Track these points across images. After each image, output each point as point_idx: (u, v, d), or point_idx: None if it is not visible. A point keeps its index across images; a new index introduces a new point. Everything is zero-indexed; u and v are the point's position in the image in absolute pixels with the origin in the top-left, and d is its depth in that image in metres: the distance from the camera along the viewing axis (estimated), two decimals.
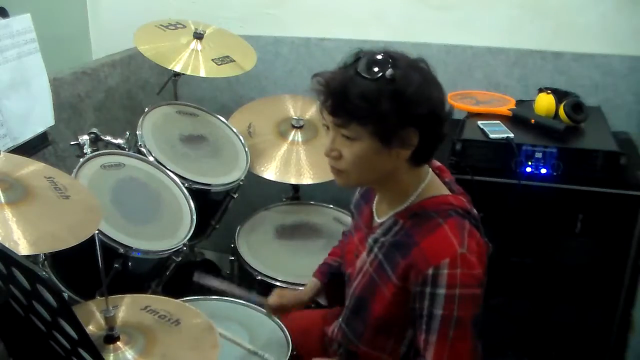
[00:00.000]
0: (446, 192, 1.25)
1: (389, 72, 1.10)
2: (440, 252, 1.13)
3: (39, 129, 1.70)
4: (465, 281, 1.12)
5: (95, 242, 1.34)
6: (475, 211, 1.25)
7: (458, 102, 2.09)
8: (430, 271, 1.12)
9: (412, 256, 1.16)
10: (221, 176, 1.96)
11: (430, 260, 1.13)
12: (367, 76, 1.11)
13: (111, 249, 1.53)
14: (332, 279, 1.55)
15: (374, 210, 1.33)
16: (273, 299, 1.54)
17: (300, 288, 1.83)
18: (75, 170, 1.62)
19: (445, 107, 1.17)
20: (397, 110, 1.10)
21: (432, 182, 1.25)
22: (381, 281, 1.23)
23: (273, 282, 1.86)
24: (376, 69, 1.11)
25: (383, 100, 1.10)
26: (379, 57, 1.13)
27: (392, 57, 1.13)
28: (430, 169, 1.27)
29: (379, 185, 1.28)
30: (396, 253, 1.20)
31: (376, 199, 1.34)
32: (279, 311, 1.54)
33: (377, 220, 1.30)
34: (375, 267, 1.25)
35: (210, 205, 1.99)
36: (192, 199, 1.80)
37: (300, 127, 2.20)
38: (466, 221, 1.19)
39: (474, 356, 1.18)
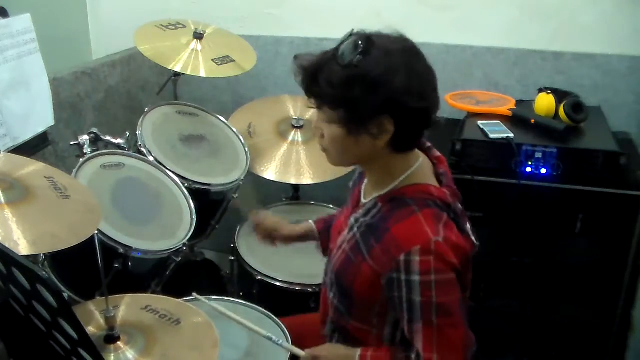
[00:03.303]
0: (432, 182, 1.24)
1: (356, 58, 1.11)
2: (411, 239, 1.13)
3: (39, 129, 1.70)
4: (439, 267, 1.12)
5: (95, 242, 1.35)
6: (459, 206, 1.25)
7: (458, 102, 2.09)
8: (402, 257, 1.13)
9: (385, 241, 1.17)
10: (221, 176, 1.96)
11: (402, 246, 1.13)
12: (339, 62, 1.13)
13: (111, 249, 1.53)
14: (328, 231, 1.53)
15: (362, 190, 1.34)
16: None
17: (299, 288, 1.84)
18: (75, 170, 1.62)
19: (425, 95, 1.15)
20: (362, 98, 1.12)
21: (419, 170, 1.25)
22: (357, 260, 1.24)
23: (273, 282, 1.86)
24: (347, 55, 1.12)
25: (348, 87, 1.12)
26: (355, 42, 1.13)
27: (369, 43, 1.13)
28: (422, 158, 1.27)
29: (364, 166, 1.30)
30: (371, 236, 1.22)
31: (366, 179, 1.35)
32: (261, 227, 1.60)
33: (363, 200, 1.32)
34: (352, 246, 1.26)
35: (210, 205, 1.99)
36: (192, 199, 1.80)
37: (300, 127, 2.20)
38: (444, 214, 1.18)
39: (466, 342, 1.17)
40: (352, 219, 1.31)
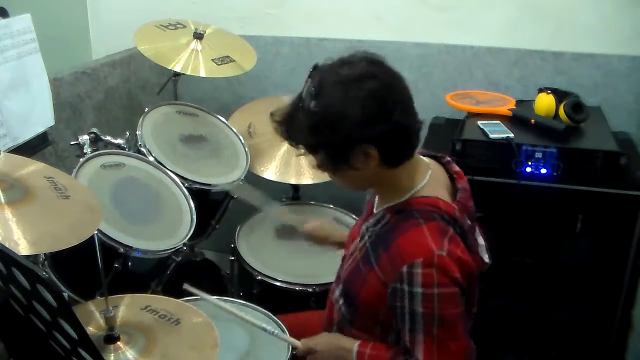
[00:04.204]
0: (442, 195, 1.24)
1: (312, 103, 1.13)
2: (414, 252, 1.14)
3: (39, 129, 1.70)
4: (442, 280, 1.13)
5: (95, 242, 1.35)
6: (468, 222, 1.24)
7: (458, 102, 2.09)
8: (404, 269, 1.13)
9: (391, 252, 1.18)
10: (221, 176, 1.96)
11: (405, 258, 1.14)
12: (302, 107, 1.15)
13: (111, 249, 1.53)
14: None
15: (375, 200, 1.35)
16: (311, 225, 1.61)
17: (299, 288, 1.84)
18: (75, 170, 1.62)
19: (395, 114, 1.13)
20: (332, 139, 1.14)
21: (430, 184, 1.25)
22: (365, 269, 1.24)
23: (273, 282, 1.86)
24: (306, 101, 1.14)
25: (316, 132, 1.14)
26: (309, 86, 1.15)
27: (321, 84, 1.13)
28: (431, 170, 1.27)
29: (372, 187, 1.31)
30: (380, 245, 1.23)
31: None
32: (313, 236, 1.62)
33: (374, 210, 1.33)
34: (362, 255, 1.27)
35: (210, 205, 1.99)
36: (192, 199, 1.80)
37: None
38: (450, 228, 1.18)
39: (468, 355, 1.17)
40: (363, 228, 1.32)
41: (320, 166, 1.22)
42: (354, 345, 1.27)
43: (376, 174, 1.20)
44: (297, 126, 1.17)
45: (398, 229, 1.20)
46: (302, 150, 1.22)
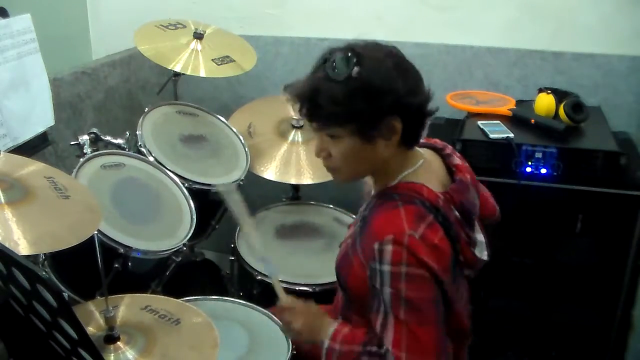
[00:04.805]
0: (431, 184, 1.23)
1: (354, 70, 1.13)
2: (385, 229, 1.15)
3: (39, 129, 1.70)
4: (411, 261, 1.12)
5: (95, 242, 1.35)
6: (455, 213, 1.23)
7: (458, 102, 2.09)
8: (376, 246, 1.14)
9: (367, 231, 1.20)
10: (221, 176, 1.96)
11: (377, 235, 1.15)
12: (335, 78, 1.14)
13: (111, 249, 1.53)
14: None
15: (372, 189, 1.37)
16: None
17: (300, 288, 1.84)
18: (75, 170, 1.62)
19: (419, 90, 1.20)
20: (368, 107, 1.14)
21: (419, 172, 1.26)
22: (352, 255, 1.25)
23: None
24: (343, 69, 1.14)
25: (353, 100, 1.14)
26: (345, 55, 1.15)
27: (358, 54, 1.15)
28: (424, 160, 1.28)
29: (374, 170, 1.31)
30: (362, 228, 1.24)
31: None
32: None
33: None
34: (352, 239, 1.28)
35: (210, 205, 1.99)
36: (192, 199, 1.80)
37: (300, 127, 2.20)
38: (430, 215, 1.18)
39: (440, 346, 1.14)
40: (358, 215, 1.35)
41: (344, 137, 1.19)
42: (332, 323, 1.27)
43: (389, 153, 1.22)
44: (328, 95, 1.15)
45: (377, 210, 1.22)
46: (316, 127, 1.21)
